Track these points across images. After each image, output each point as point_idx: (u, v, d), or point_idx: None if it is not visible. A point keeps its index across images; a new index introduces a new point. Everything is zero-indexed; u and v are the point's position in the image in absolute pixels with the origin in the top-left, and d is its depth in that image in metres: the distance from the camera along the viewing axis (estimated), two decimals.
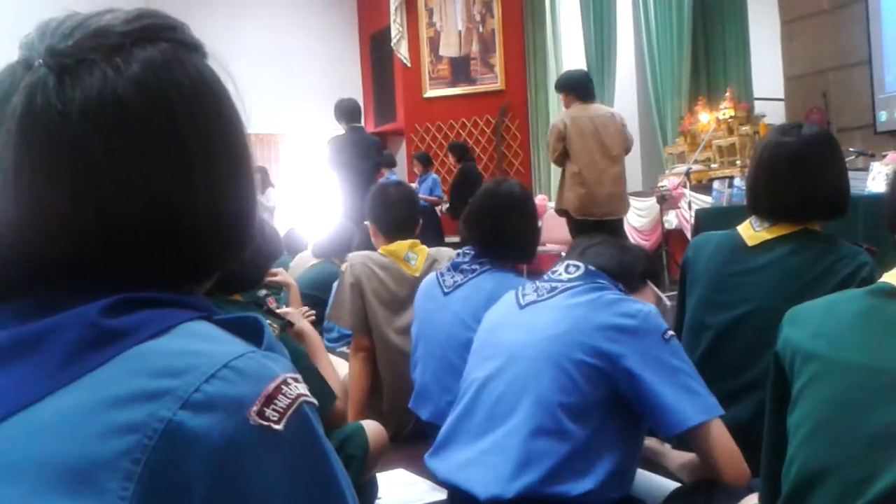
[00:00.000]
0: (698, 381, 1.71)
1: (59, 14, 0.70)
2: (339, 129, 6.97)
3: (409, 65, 10.93)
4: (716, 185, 6.57)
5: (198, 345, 0.63)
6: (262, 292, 2.67)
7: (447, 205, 8.97)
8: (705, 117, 8.15)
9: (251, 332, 0.68)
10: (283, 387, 0.62)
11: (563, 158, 5.60)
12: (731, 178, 6.52)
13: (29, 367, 0.61)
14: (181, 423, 0.58)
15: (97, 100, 0.65)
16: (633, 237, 8.22)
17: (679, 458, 1.92)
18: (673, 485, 1.90)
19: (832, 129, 6.54)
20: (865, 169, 4.78)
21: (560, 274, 1.88)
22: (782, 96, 7.53)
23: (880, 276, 1.15)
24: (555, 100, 10.48)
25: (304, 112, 11.54)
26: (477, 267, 2.67)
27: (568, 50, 10.46)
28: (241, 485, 0.59)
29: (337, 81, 11.43)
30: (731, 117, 7.75)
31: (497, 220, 2.67)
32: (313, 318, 2.93)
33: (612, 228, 5.43)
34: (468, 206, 2.77)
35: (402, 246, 3.32)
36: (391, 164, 8.69)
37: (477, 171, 8.50)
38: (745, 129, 7.62)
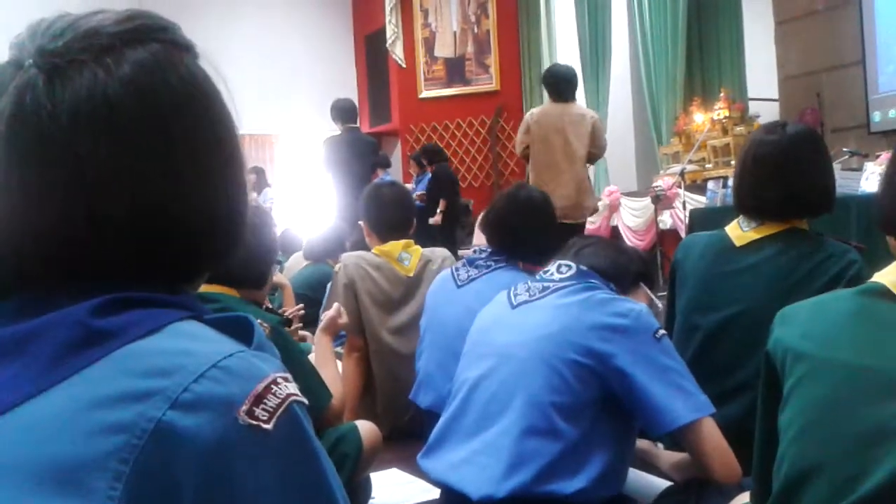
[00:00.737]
0: (690, 379, 1.72)
1: (50, 14, 0.70)
2: (335, 130, 6.96)
3: (403, 65, 10.93)
4: (710, 185, 6.58)
5: (187, 344, 0.63)
6: None
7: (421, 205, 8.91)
8: (700, 117, 8.16)
9: (241, 332, 0.68)
10: (272, 386, 0.62)
11: (527, 152, 5.56)
12: (726, 178, 6.52)
13: (17, 367, 0.61)
14: (170, 423, 0.58)
15: (87, 100, 0.65)
16: (627, 237, 8.23)
17: (670, 457, 1.92)
18: (665, 484, 1.90)
19: (826, 130, 6.55)
20: (859, 169, 4.79)
21: (552, 274, 1.89)
22: (776, 96, 7.54)
23: (869, 274, 1.15)
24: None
25: (298, 113, 11.53)
26: (492, 263, 2.75)
27: (563, 50, 10.46)
28: (231, 484, 0.59)
29: (332, 82, 11.42)
30: (725, 117, 7.76)
31: (517, 223, 2.74)
32: (302, 312, 2.95)
33: (570, 232, 5.32)
34: (488, 208, 2.85)
35: (395, 246, 3.32)
36: (386, 164, 8.67)
37: (448, 173, 8.43)
38: (740, 129, 7.64)
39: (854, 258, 2.01)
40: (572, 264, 1.88)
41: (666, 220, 7.81)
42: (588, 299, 1.77)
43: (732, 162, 7.41)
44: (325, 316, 2.60)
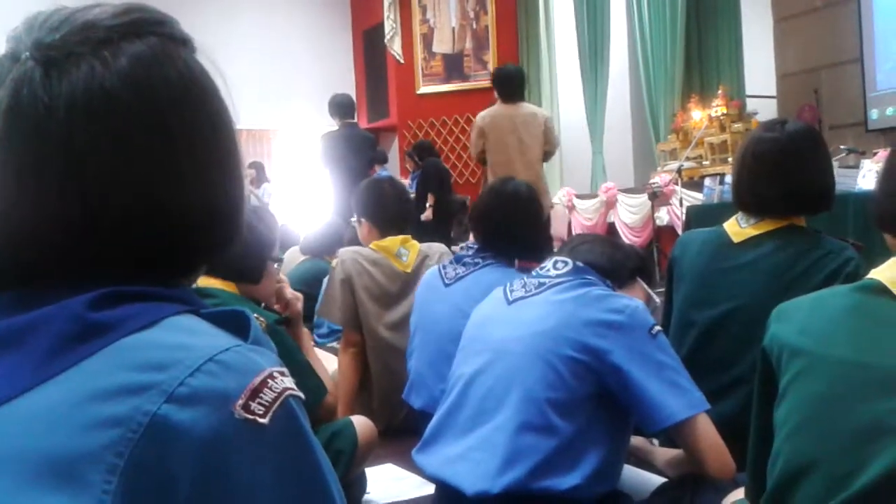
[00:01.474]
0: (685, 376, 1.72)
1: (48, 8, 0.70)
2: (333, 125, 6.95)
3: (402, 61, 10.91)
4: (707, 181, 6.60)
5: (183, 338, 0.63)
6: None
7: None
8: (698, 114, 8.16)
9: (238, 326, 0.68)
10: (268, 380, 0.62)
11: (484, 156, 5.54)
12: (723, 175, 6.53)
13: (14, 360, 0.61)
14: (166, 417, 0.58)
15: (84, 93, 0.65)
16: (624, 234, 8.24)
17: (666, 454, 1.92)
18: (660, 480, 1.91)
19: (824, 127, 6.56)
20: (856, 166, 4.79)
21: (548, 270, 1.89)
22: (774, 94, 7.54)
23: (866, 271, 1.15)
24: (548, 97, 10.49)
25: (296, 108, 11.52)
26: (479, 260, 2.71)
27: (561, 47, 10.46)
28: (226, 478, 0.59)
29: (330, 77, 11.41)
30: (723, 114, 7.76)
31: (501, 218, 2.71)
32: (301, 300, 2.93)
33: None
34: (475, 202, 2.81)
35: (393, 241, 3.32)
36: (383, 160, 8.66)
37: (437, 168, 8.40)
38: (738, 126, 7.64)
39: (851, 255, 2.01)
40: (568, 260, 1.88)
41: (663, 216, 7.82)
42: (584, 295, 1.77)
43: (730, 159, 7.41)
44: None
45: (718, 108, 7.84)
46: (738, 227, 2.15)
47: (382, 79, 11.40)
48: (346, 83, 11.59)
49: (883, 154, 4.92)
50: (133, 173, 0.66)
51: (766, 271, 2.04)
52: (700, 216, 5.07)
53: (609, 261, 1.92)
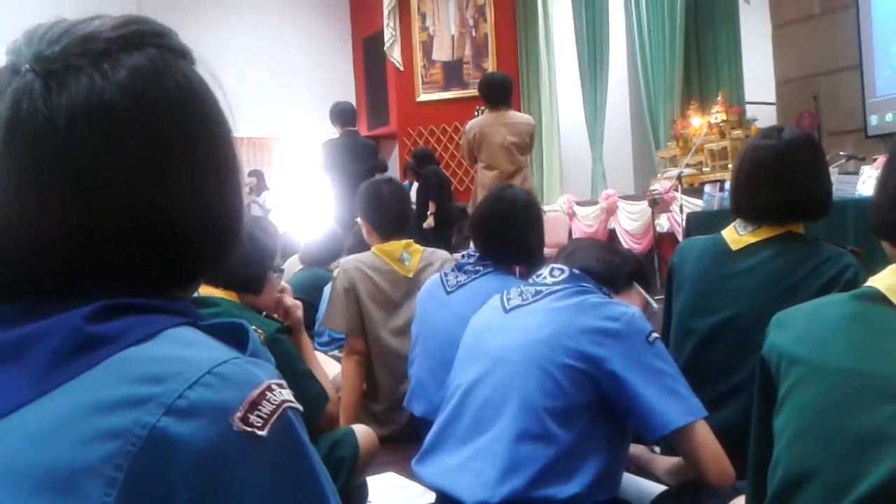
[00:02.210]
0: (682, 383, 1.71)
1: (48, 20, 0.70)
2: (333, 133, 6.95)
3: (401, 69, 10.93)
4: (707, 188, 6.58)
5: (182, 351, 0.63)
6: None
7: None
8: (697, 121, 8.18)
9: (236, 338, 0.68)
10: (267, 393, 0.62)
11: (474, 155, 5.58)
12: (723, 181, 6.52)
13: (12, 373, 0.61)
14: (164, 430, 0.58)
15: (84, 105, 0.65)
16: (624, 240, 8.24)
17: (665, 462, 1.92)
18: (659, 488, 1.90)
19: (823, 133, 6.57)
20: (856, 173, 4.79)
21: (545, 277, 1.89)
22: (774, 100, 7.56)
23: (865, 278, 1.15)
24: (547, 104, 10.51)
25: (296, 116, 11.53)
26: (481, 268, 2.72)
27: (560, 54, 10.48)
28: (225, 491, 0.59)
29: (330, 85, 11.43)
30: (722, 121, 7.78)
31: (501, 224, 2.71)
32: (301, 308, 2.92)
33: None
34: (475, 209, 2.82)
35: (396, 246, 3.33)
36: (383, 169, 8.67)
37: (437, 175, 8.41)
38: (737, 132, 7.65)
39: (850, 262, 2.01)
40: (565, 268, 1.87)
41: (663, 223, 7.82)
42: (581, 303, 1.77)
43: (729, 165, 7.42)
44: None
45: (718, 114, 7.86)
46: (736, 235, 2.15)
47: (382, 86, 11.42)
48: (346, 91, 11.60)
49: (882, 160, 4.92)
50: (132, 185, 0.66)
51: (764, 279, 2.04)
52: (700, 223, 5.07)
53: (606, 266, 1.92)
